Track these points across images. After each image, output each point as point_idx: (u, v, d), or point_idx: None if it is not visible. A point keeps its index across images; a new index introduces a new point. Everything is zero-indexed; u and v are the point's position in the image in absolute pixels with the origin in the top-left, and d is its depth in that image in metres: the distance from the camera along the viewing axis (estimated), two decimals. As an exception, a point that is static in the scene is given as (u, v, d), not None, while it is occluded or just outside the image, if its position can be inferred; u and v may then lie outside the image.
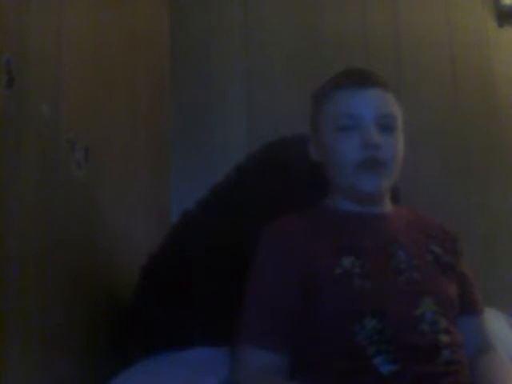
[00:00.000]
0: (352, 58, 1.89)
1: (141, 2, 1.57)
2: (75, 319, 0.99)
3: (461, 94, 1.95)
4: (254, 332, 0.95)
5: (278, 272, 0.98)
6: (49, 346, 0.89)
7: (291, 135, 1.25)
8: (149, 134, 1.59)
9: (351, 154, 0.99)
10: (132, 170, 1.41)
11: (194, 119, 1.88)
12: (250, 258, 1.01)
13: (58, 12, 0.96)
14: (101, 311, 1.13)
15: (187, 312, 1.10)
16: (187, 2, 1.95)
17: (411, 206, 1.18)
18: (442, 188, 1.87)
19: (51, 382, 0.89)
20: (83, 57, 1.07)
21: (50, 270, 0.90)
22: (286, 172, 1.18)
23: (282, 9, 1.95)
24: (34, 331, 0.84)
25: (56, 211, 0.93)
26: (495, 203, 1.90)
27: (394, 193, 1.12)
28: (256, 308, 0.97)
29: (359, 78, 1.04)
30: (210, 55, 1.92)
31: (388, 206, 1.08)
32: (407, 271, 0.97)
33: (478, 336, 1.05)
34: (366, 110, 1.01)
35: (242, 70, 1.91)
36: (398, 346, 0.89)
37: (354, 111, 1.01)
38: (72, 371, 0.97)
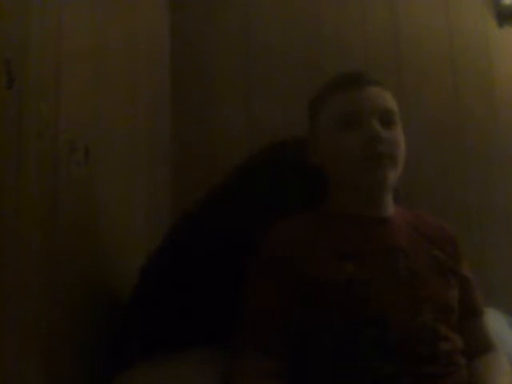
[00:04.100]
0: (351, 59, 1.90)
1: (141, 1, 1.57)
2: (74, 320, 0.99)
3: (461, 93, 1.95)
4: (253, 337, 0.95)
5: (278, 280, 0.97)
6: (47, 346, 0.89)
7: (291, 137, 1.25)
8: (149, 134, 1.59)
9: (355, 149, 0.99)
10: (132, 169, 1.41)
11: (194, 119, 1.89)
12: (250, 259, 1.01)
13: (58, 12, 0.96)
14: (100, 312, 1.13)
15: (186, 312, 1.10)
16: (188, 2, 1.95)
17: (411, 206, 1.18)
18: (442, 188, 1.87)
19: (49, 383, 0.89)
20: (83, 57, 1.07)
21: (50, 270, 0.90)
22: (286, 174, 1.18)
23: (282, 11, 1.96)
24: (32, 332, 0.84)
25: (56, 211, 0.93)
26: (495, 203, 1.90)
27: (394, 193, 1.12)
28: (255, 314, 0.97)
29: (356, 79, 1.06)
30: (210, 56, 1.93)
31: (390, 209, 1.07)
32: (408, 278, 0.97)
33: (479, 338, 1.06)
34: (367, 106, 1.02)
35: (242, 70, 1.91)
36: (399, 353, 0.90)
37: (355, 108, 1.02)
38: (71, 372, 0.97)
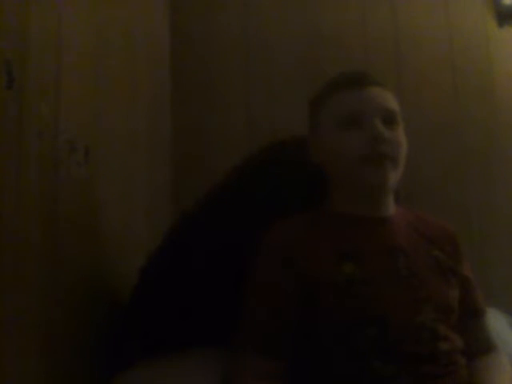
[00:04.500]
0: (351, 59, 1.90)
1: (141, 1, 1.57)
2: (74, 320, 0.99)
3: (461, 94, 1.95)
4: (253, 337, 0.95)
5: (278, 280, 0.97)
6: (47, 346, 0.89)
7: (291, 137, 1.25)
8: (149, 134, 1.59)
9: (357, 148, 0.99)
10: (132, 169, 1.41)
11: (194, 119, 1.89)
12: (249, 259, 1.01)
13: (58, 12, 0.96)
14: (100, 311, 1.13)
15: (186, 312, 1.10)
16: (188, 2, 1.95)
17: (411, 206, 1.18)
18: (442, 188, 1.87)
19: (49, 383, 0.89)
20: (83, 57, 1.07)
21: (50, 270, 0.90)
22: (286, 174, 1.18)
23: (281, 10, 1.96)
24: (32, 331, 0.84)
25: (56, 211, 0.93)
26: (495, 203, 1.90)
27: (394, 193, 1.12)
28: (255, 314, 0.97)
29: (357, 79, 1.05)
30: (210, 56, 1.92)
31: (391, 209, 1.06)
32: (408, 278, 0.97)
33: (480, 338, 1.06)
34: (369, 106, 1.01)
35: (241, 70, 1.91)
36: (399, 353, 0.90)
37: (357, 108, 1.01)
38: (71, 372, 0.97)
